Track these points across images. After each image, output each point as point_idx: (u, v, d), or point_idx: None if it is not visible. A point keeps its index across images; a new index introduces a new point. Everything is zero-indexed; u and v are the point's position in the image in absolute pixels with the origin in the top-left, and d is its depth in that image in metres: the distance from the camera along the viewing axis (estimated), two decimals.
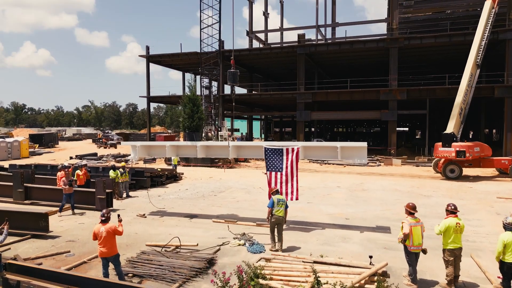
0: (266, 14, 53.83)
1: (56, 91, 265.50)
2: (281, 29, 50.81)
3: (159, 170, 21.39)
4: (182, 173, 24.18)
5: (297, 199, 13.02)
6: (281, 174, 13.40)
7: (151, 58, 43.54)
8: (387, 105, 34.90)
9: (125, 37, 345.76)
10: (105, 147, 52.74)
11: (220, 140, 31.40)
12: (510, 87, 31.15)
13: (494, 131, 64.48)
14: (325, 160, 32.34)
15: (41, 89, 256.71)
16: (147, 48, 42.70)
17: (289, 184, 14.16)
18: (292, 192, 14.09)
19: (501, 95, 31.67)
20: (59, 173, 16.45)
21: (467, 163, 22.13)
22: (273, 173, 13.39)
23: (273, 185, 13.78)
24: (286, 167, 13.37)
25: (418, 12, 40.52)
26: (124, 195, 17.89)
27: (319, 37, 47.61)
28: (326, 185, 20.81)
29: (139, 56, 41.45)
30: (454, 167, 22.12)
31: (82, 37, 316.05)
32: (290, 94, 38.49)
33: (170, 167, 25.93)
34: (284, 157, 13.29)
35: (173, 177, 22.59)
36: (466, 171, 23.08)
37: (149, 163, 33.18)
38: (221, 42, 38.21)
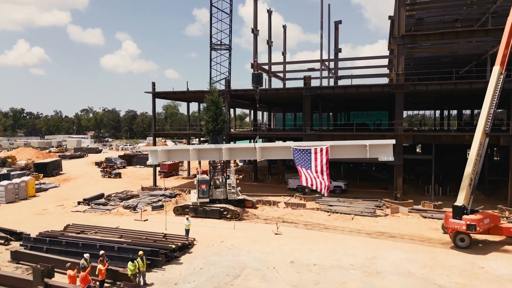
0: (270, 43, 53.98)
1: (51, 90, 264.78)
2: (284, 63, 51.04)
3: (173, 246, 21.49)
4: (194, 239, 24.32)
5: (327, 195, 13.03)
6: (311, 171, 13.48)
7: (157, 95, 43.66)
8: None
9: (119, 35, 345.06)
10: (109, 177, 52.80)
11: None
12: None
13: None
14: (333, 209, 32.58)
15: (35, 87, 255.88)
16: (153, 84, 42.86)
17: (319, 180, 14.32)
18: (324, 188, 14.21)
19: (506, 143, 32.00)
20: (69, 272, 16.60)
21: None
22: (303, 168, 13.41)
23: (304, 178, 13.87)
24: (316, 166, 13.43)
25: (422, 52, 40.73)
26: (142, 282, 18.07)
27: (324, 70, 47.82)
28: (339, 260, 21.02)
29: (145, 92, 41.54)
30: (464, 236, 22.43)
31: (76, 35, 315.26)
32: (297, 135, 38.70)
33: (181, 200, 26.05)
34: (312, 157, 13.43)
35: (186, 247, 22.80)
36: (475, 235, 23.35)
37: (157, 210, 33.37)
38: (227, 82, 38.33)
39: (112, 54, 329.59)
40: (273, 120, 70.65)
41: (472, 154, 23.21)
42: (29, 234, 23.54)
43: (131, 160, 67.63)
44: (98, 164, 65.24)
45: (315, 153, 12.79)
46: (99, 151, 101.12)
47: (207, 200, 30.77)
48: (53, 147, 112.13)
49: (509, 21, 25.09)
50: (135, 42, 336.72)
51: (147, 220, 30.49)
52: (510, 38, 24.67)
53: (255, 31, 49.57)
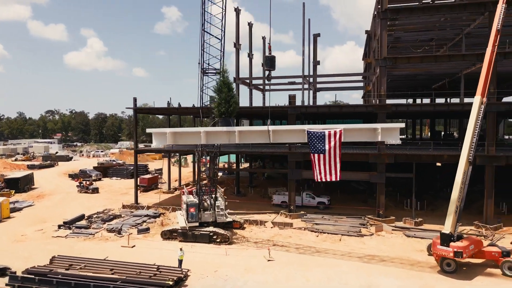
0: (250, 56, 54.06)
1: (12, 89, 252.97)
2: (265, 77, 51.15)
3: (170, 283, 21.13)
4: (188, 270, 23.99)
5: (339, 179, 13.38)
6: (324, 156, 13.84)
7: (139, 110, 42.71)
8: (376, 167, 36.33)
9: (84, 31, 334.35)
10: (86, 192, 51.09)
11: None
12: (490, 156, 33.20)
13: None
14: (320, 229, 33.11)
15: None
16: (134, 100, 41.89)
17: (332, 165, 14.78)
18: (335, 172, 14.65)
19: (482, 163, 33.72)
20: None
21: None
22: (316, 155, 13.78)
23: (316, 167, 14.22)
24: (329, 149, 13.76)
25: (401, 71, 42.13)
26: None
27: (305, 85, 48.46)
28: None
29: (126, 108, 40.37)
30: (450, 261, 23.49)
31: (37, 30, 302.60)
32: (282, 153, 39.06)
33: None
34: (326, 140, 13.70)
35: (181, 279, 22.52)
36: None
37: (143, 234, 32.68)
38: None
39: (76, 51, 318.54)
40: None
41: (457, 181, 24.30)
42: (15, 272, 22.46)
43: (106, 171, 65.74)
44: (72, 176, 62.97)
45: (329, 136, 13.36)
46: (70, 159, 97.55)
47: (197, 224, 30.49)
48: (19, 153, 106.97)
49: (487, 56, 26.44)
50: (101, 39, 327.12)
51: (134, 246, 29.80)
52: (489, 71, 26.02)
53: (237, 46, 49.53)
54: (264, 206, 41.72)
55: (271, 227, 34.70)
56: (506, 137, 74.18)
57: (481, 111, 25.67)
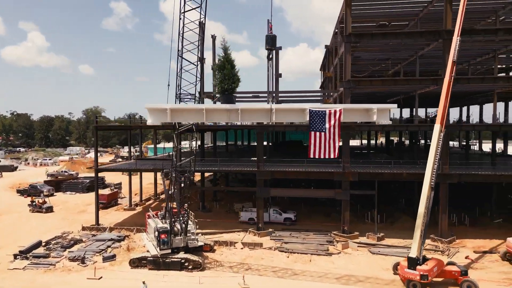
0: (214, 68, 53.63)
1: None
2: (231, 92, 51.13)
3: None
4: None
5: (337, 156, 14.17)
6: (324, 134, 14.36)
7: (99, 128, 40.87)
8: (341, 185, 37.73)
9: (24, 24, 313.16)
10: (40, 211, 47.92)
11: None
12: (444, 174, 35.71)
13: None
14: (290, 249, 33.73)
15: None
16: (95, 117, 40.10)
17: (331, 143, 15.39)
18: (334, 150, 15.27)
19: (437, 181, 36.16)
20: None
21: None
22: (317, 133, 14.37)
23: (314, 145, 14.83)
24: (329, 127, 14.33)
25: (362, 90, 44.03)
26: None
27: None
28: None
29: (93, 125, 38.72)
30: (416, 283, 25.03)
31: None
32: (250, 171, 39.30)
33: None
34: (327, 118, 14.26)
35: None
36: None
37: (109, 261, 31.36)
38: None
39: (15, 46, 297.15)
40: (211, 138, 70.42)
41: (421, 208, 25.94)
42: None
43: (59, 185, 62.09)
44: (21, 192, 58.80)
45: (329, 114, 14.19)
46: (14, 169, 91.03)
47: (169, 251, 29.84)
48: None
49: (444, 86, 28.45)
50: (43, 33, 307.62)
51: (101, 277, 28.53)
52: (447, 101, 28.01)
53: (201, 61, 48.87)
54: (232, 224, 41.66)
55: (241, 248, 34.79)
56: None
57: (441, 139, 27.58)
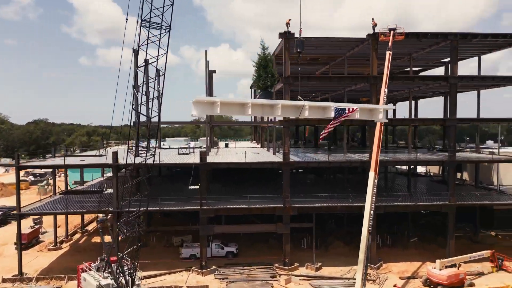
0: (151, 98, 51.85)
1: None
2: (171, 122, 50.01)
3: None
4: None
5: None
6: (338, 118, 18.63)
7: (20, 168, 36.97)
8: (282, 219, 39.44)
9: None
10: None
11: None
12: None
13: None
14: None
15: None
16: (17, 156, 36.16)
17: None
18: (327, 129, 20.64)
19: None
20: None
21: None
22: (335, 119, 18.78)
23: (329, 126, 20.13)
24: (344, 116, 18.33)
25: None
26: None
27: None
28: None
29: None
30: None
31: None
32: (193, 209, 38.93)
33: None
34: (346, 112, 18.43)
35: None
36: None
37: None
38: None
39: None
40: None
41: (361, 254, 28.45)
42: None
43: None
44: None
45: (348, 110, 18.30)
46: None
47: None
48: None
49: (377, 133, 31.61)
50: None
51: None
52: (379, 148, 31.16)
53: (136, 88, 46.89)
54: (173, 262, 40.72)
55: None
56: None
57: (375, 186, 30.56)
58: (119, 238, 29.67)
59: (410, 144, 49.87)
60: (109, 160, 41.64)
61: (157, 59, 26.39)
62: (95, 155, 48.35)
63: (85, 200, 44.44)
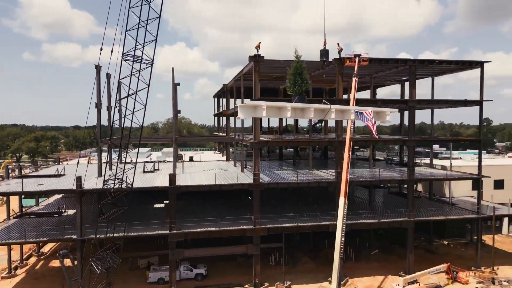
0: (109, 109, 50.11)
1: None
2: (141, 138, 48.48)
3: None
4: None
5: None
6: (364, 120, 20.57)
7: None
8: (252, 239, 39.75)
9: None
10: None
11: None
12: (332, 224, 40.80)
13: None
14: None
15: None
16: None
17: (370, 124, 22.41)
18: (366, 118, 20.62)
19: (333, 229, 41.17)
20: None
21: None
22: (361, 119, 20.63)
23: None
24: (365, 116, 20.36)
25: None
26: None
27: None
28: None
29: None
30: None
31: None
32: (161, 234, 38.11)
33: None
34: (365, 114, 20.44)
35: None
36: None
37: None
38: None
39: None
40: None
41: (333, 280, 29.44)
42: None
43: None
44: None
45: (366, 112, 20.32)
46: None
47: None
48: None
49: (346, 157, 32.83)
50: None
51: None
52: (347, 171, 32.37)
53: (99, 106, 45.16)
54: (139, 287, 39.60)
55: None
56: None
57: (345, 211, 31.72)
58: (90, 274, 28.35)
59: (371, 161, 52.32)
60: (70, 182, 39.79)
61: (136, 92, 25.56)
62: (54, 175, 45.72)
63: (43, 223, 42.00)
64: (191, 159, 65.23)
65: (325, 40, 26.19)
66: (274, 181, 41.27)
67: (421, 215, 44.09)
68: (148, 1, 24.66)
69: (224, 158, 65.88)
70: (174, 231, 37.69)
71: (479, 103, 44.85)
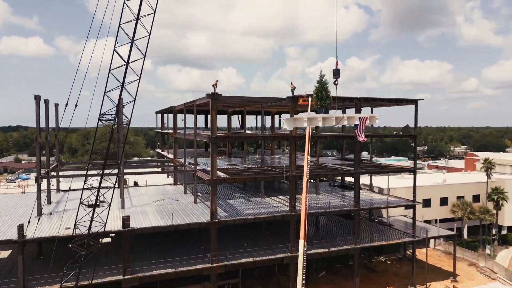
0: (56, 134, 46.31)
1: None
2: (89, 162, 45.17)
3: None
4: None
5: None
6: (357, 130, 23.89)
7: None
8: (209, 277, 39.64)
9: None
10: None
11: None
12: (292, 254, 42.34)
13: None
14: None
15: None
16: None
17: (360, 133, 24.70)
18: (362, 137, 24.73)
19: (288, 262, 42.63)
20: None
21: None
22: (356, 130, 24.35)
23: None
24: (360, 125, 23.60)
25: None
26: None
27: None
28: None
29: None
30: None
31: None
32: (115, 281, 36.29)
33: None
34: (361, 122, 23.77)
35: None
36: None
37: None
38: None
39: None
40: None
41: None
42: None
43: None
44: None
45: (361, 120, 23.26)
46: None
47: None
48: None
49: (303, 206, 34.06)
50: None
51: None
52: (306, 218, 33.68)
53: (38, 138, 41.54)
54: None
55: None
56: None
57: (305, 253, 32.95)
58: None
59: (317, 186, 55.11)
60: (11, 232, 35.93)
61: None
62: None
63: None
64: (135, 183, 62.58)
65: (337, 61, 29.08)
66: (231, 217, 41.51)
67: (365, 241, 47.45)
68: None
69: (171, 180, 64.34)
70: (128, 276, 36.17)
71: (413, 137, 49.75)
